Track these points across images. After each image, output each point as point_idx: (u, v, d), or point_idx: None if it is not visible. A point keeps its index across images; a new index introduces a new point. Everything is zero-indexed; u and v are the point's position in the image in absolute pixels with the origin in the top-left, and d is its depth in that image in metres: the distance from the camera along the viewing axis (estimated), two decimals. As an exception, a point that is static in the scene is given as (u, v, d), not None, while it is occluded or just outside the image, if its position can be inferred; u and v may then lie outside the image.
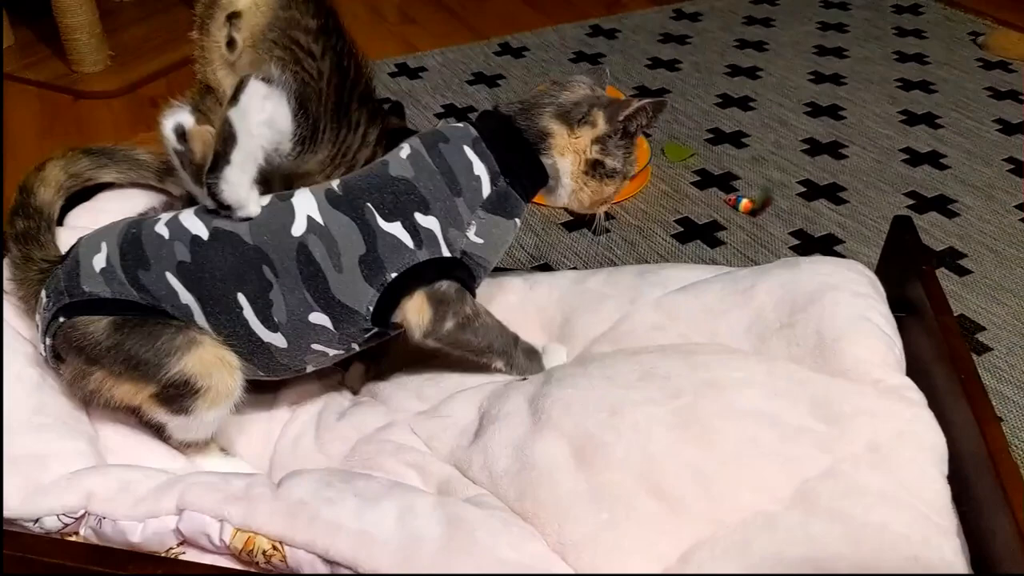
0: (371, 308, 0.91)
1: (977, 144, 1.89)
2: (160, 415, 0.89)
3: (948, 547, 0.72)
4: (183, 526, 0.79)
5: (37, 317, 0.90)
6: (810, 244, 1.57)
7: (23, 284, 0.94)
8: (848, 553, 0.70)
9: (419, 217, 0.92)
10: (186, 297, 0.87)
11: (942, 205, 1.68)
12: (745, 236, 1.59)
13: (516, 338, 1.01)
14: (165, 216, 0.93)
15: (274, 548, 0.77)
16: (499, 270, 1.13)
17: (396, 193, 0.92)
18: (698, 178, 1.77)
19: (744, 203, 1.66)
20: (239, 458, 0.96)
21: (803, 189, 1.73)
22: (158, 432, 0.93)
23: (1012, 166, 1.80)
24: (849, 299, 0.92)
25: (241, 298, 0.88)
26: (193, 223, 0.91)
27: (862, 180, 1.76)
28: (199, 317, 0.88)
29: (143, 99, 2.09)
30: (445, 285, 0.93)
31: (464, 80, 2.18)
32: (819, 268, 0.98)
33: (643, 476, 0.77)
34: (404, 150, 0.97)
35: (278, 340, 0.90)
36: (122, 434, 0.93)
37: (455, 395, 0.98)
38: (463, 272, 0.95)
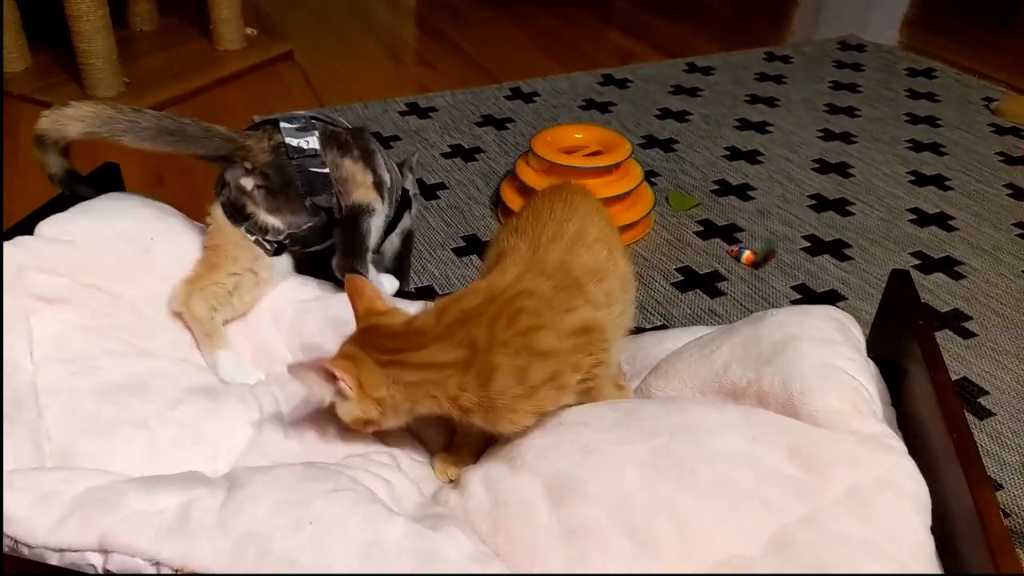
0: None
1: (986, 207, 1.87)
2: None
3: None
4: (112, 567, 0.73)
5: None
6: (812, 299, 1.54)
7: None
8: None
9: None
10: None
11: (948, 266, 1.66)
12: (746, 288, 1.57)
13: None
14: None
15: (222, 588, 0.72)
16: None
17: None
18: (701, 228, 1.76)
19: (747, 255, 1.64)
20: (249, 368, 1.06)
21: (807, 244, 1.71)
22: None
23: (1021, 231, 1.78)
24: (812, 348, 0.89)
25: None
26: None
27: (868, 238, 1.74)
28: None
29: (154, 126, 2.11)
30: None
31: (473, 121, 2.18)
32: (781, 319, 0.96)
33: (616, 513, 0.75)
34: None
35: None
36: (62, 423, 0.90)
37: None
38: None
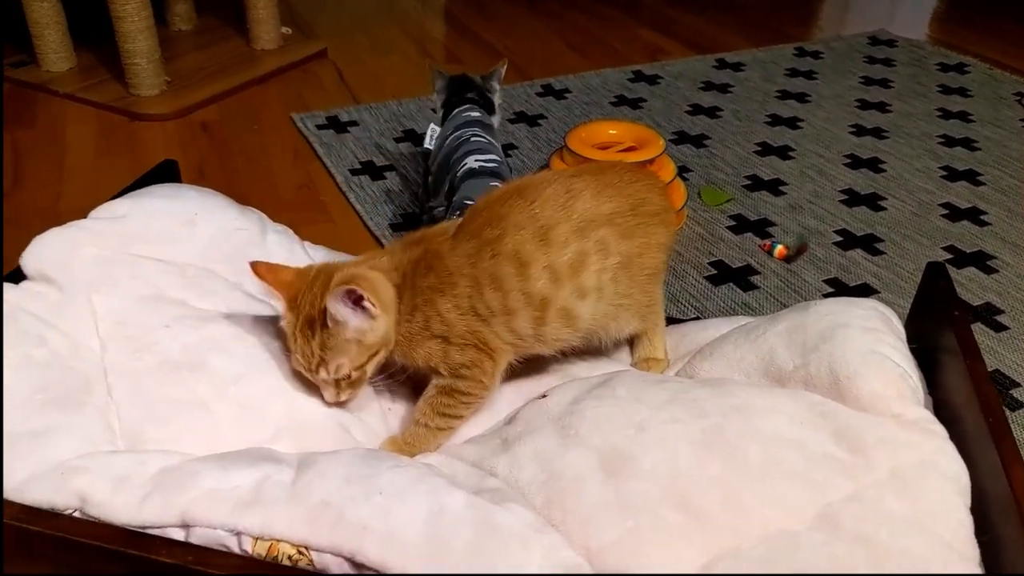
0: None
1: (1019, 203, 1.88)
2: None
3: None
4: (196, 540, 0.77)
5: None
6: (844, 293, 1.56)
7: None
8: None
9: None
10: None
11: (981, 261, 1.67)
12: (779, 282, 1.59)
13: None
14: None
15: (299, 552, 0.76)
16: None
17: None
18: (734, 223, 1.78)
19: (779, 249, 1.66)
20: None
21: (839, 238, 1.73)
22: None
23: (1054, 225, 1.79)
24: (858, 335, 0.92)
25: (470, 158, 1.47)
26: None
27: (900, 232, 1.76)
28: None
29: (195, 123, 2.16)
30: None
31: (506, 119, 2.22)
32: (827, 308, 0.99)
33: (669, 488, 0.79)
34: None
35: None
36: (131, 407, 0.92)
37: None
38: None
